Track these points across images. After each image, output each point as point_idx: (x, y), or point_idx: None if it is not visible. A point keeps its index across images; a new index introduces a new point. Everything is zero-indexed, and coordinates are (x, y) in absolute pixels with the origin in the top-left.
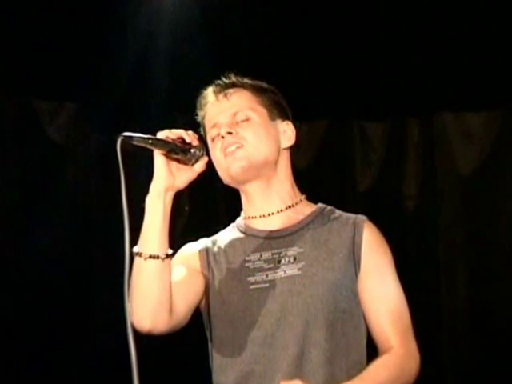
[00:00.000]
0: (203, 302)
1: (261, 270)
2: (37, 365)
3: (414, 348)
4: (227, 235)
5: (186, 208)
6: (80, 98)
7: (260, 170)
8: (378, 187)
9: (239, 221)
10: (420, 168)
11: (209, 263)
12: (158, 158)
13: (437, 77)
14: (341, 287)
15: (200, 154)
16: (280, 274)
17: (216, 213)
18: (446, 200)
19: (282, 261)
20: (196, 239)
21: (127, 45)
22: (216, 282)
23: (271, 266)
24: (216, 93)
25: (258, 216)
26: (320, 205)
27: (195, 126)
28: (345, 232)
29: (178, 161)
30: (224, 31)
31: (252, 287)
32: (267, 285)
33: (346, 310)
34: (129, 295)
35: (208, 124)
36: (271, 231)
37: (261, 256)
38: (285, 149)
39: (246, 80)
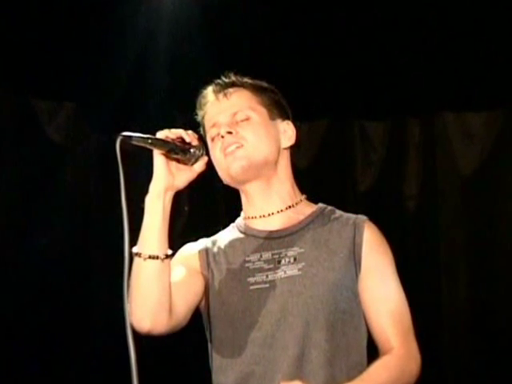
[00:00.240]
0: (203, 303)
1: (261, 270)
2: (36, 365)
3: (414, 349)
4: (227, 235)
5: (186, 208)
6: (79, 97)
7: (260, 170)
8: (378, 187)
9: (239, 221)
10: (421, 168)
11: (208, 263)
12: (158, 157)
13: (437, 76)
14: (341, 288)
15: (200, 153)
16: (280, 274)
17: (216, 213)
18: (447, 200)
19: (282, 261)
20: (196, 239)
21: (127, 44)
22: (216, 283)
23: (271, 266)
24: (216, 92)
25: (258, 216)
26: (320, 205)
27: (195, 125)
28: (345, 232)
29: (178, 161)
30: (224, 30)
31: (252, 288)
32: (267, 285)
33: (346, 310)
34: (128, 296)
35: (208, 124)
36: (271, 231)
37: (261, 256)
38: (285, 148)
39: (245, 79)
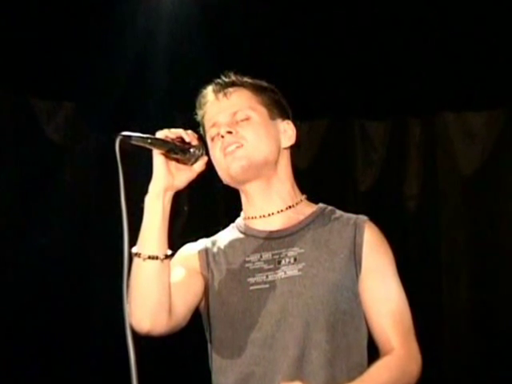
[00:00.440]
0: (203, 303)
1: (261, 270)
2: (35, 366)
3: (415, 349)
4: (227, 236)
5: (186, 208)
6: (78, 97)
7: (260, 170)
8: (379, 187)
9: (239, 221)
10: (421, 168)
11: (208, 264)
12: (157, 157)
13: (438, 76)
14: (342, 288)
15: (199, 153)
16: (280, 274)
17: (215, 213)
18: (448, 200)
19: (283, 261)
20: (195, 240)
21: (126, 44)
22: (216, 283)
23: (271, 266)
24: (216, 92)
25: (258, 216)
26: (321, 205)
27: (194, 125)
28: (346, 232)
29: (178, 160)
30: (224, 30)
31: (252, 288)
32: (267, 286)
33: (346, 311)
34: (128, 296)
35: (207, 123)
36: (271, 231)
37: (261, 257)
38: (285, 148)
39: (245, 79)
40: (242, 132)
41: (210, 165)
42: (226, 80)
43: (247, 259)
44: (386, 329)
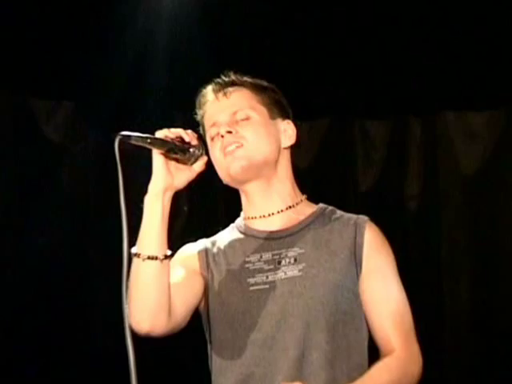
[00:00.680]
0: (202, 304)
1: (261, 271)
2: (34, 366)
3: (416, 350)
4: (227, 236)
5: (185, 208)
6: (78, 97)
7: (260, 170)
8: (379, 187)
9: (239, 221)
10: (422, 168)
11: (208, 264)
12: (157, 157)
13: (439, 76)
14: (342, 289)
15: (199, 153)
16: (280, 275)
17: (215, 213)
18: (449, 200)
19: (283, 262)
20: (195, 240)
21: (126, 43)
22: (215, 284)
23: (271, 267)
24: (215, 91)
25: (258, 216)
26: (321, 205)
27: (194, 124)
28: (346, 233)
29: (177, 160)
30: (224, 29)
31: (252, 288)
32: (267, 286)
33: (347, 311)
34: (127, 297)
35: (207, 123)
36: (271, 232)
37: (261, 257)
38: (285, 148)
39: (245, 78)
40: (242, 132)
41: (209, 165)
42: (226, 79)
43: (247, 259)
44: (386, 330)
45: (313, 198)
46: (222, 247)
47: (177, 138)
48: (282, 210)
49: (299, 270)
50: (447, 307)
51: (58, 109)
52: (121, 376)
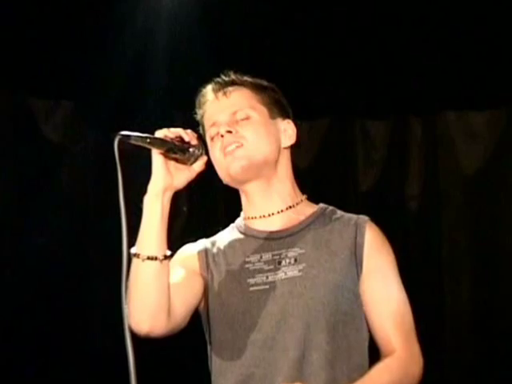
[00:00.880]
0: (202, 304)
1: (261, 271)
2: (34, 366)
3: (416, 351)
4: (227, 236)
5: (185, 208)
6: (77, 96)
7: (260, 170)
8: (380, 187)
9: (239, 221)
10: (423, 168)
11: (208, 264)
12: (156, 157)
13: (440, 75)
14: (342, 289)
15: (199, 153)
16: (280, 275)
17: (215, 213)
18: (450, 200)
19: (283, 262)
20: (195, 240)
21: (125, 43)
22: (215, 284)
23: (271, 267)
24: (215, 91)
25: (258, 216)
26: (321, 205)
27: (194, 124)
28: (346, 233)
29: (177, 160)
30: (223, 28)
31: (252, 289)
32: (267, 286)
33: (347, 312)
34: (127, 297)
35: (207, 123)
36: (271, 232)
37: (261, 257)
38: (285, 148)
39: (245, 78)
40: (242, 131)
41: (209, 165)
42: (226, 79)
43: (247, 260)
44: (387, 330)
45: (313, 198)
46: (221, 247)
47: (176, 137)
48: (282, 210)
49: (299, 271)
50: (448, 307)
51: (57, 108)
52: (120, 376)
